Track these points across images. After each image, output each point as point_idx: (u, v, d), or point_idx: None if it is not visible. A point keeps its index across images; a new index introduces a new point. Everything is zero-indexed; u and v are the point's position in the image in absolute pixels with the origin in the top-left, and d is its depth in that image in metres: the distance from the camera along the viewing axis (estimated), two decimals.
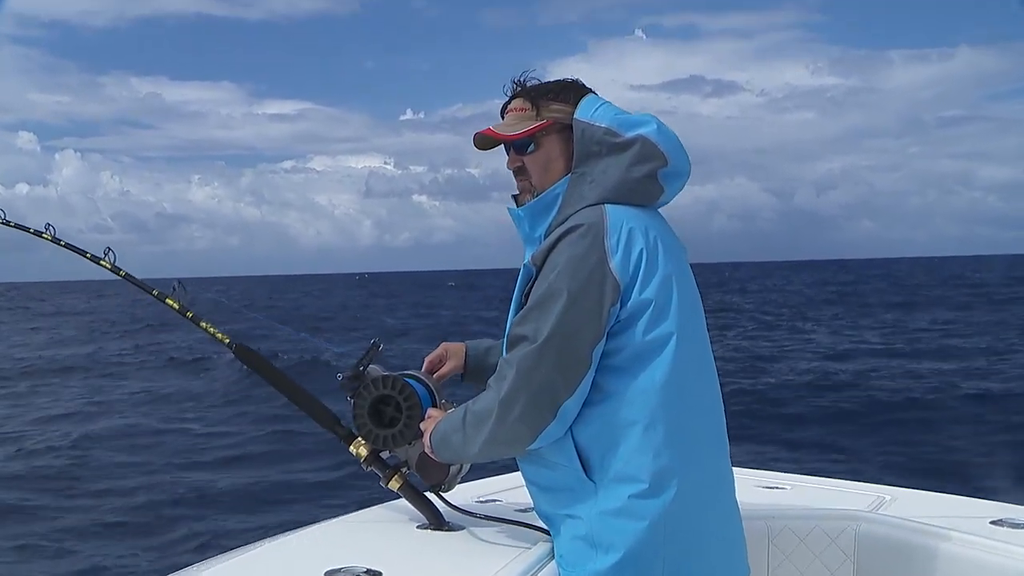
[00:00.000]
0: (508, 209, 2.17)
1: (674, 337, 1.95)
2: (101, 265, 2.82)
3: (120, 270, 2.81)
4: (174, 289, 2.64)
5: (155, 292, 2.69)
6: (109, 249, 2.87)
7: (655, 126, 2.04)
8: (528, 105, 2.14)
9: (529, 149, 2.13)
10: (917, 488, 3.23)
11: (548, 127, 2.12)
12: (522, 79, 2.18)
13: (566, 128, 2.10)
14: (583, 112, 2.07)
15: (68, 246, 2.99)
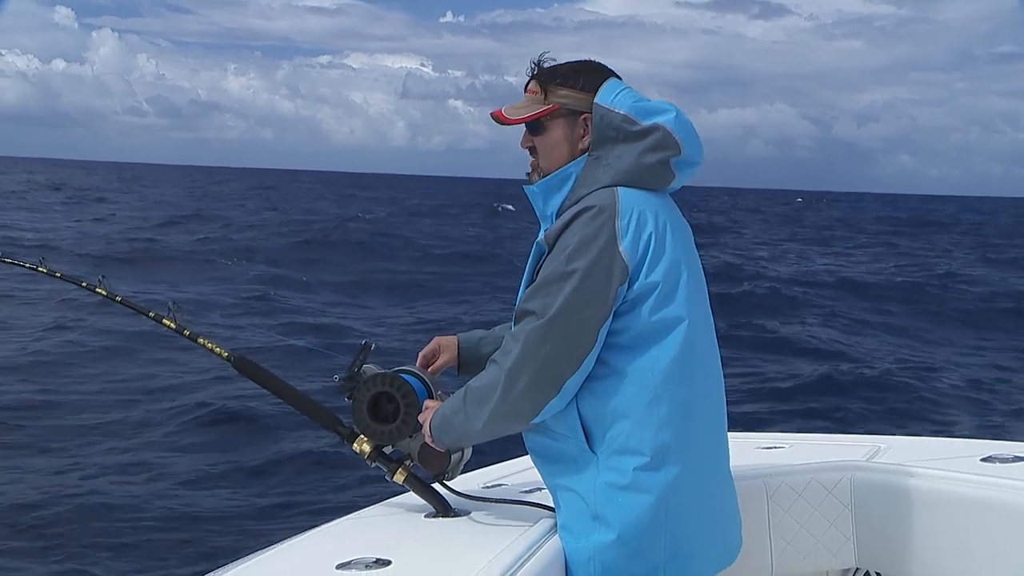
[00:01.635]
0: (523, 187, 2.23)
1: (679, 319, 2.02)
2: (97, 292, 2.88)
3: (116, 296, 2.87)
4: (169, 310, 2.70)
5: (151, 314, 2.75)
6: (104, 277, 2.93)
7: (673, 115, 2.09)
8: (538, 88, 2.20)
9: (538, 131, 2.20)
10: (912, 435, 3.31)
11: (554, 112, 2.17)
12: (539, 60, 2.22)
13: (573, 113, 2.16)
14: (603, 97, 2.11)
15: (64, 277, 3.04)
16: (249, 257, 25.37)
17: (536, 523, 2.23)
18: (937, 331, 17.19)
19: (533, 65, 2.23)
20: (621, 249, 1.98)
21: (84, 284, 2.95)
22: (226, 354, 2.58)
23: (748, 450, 3.04)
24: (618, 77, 2.19)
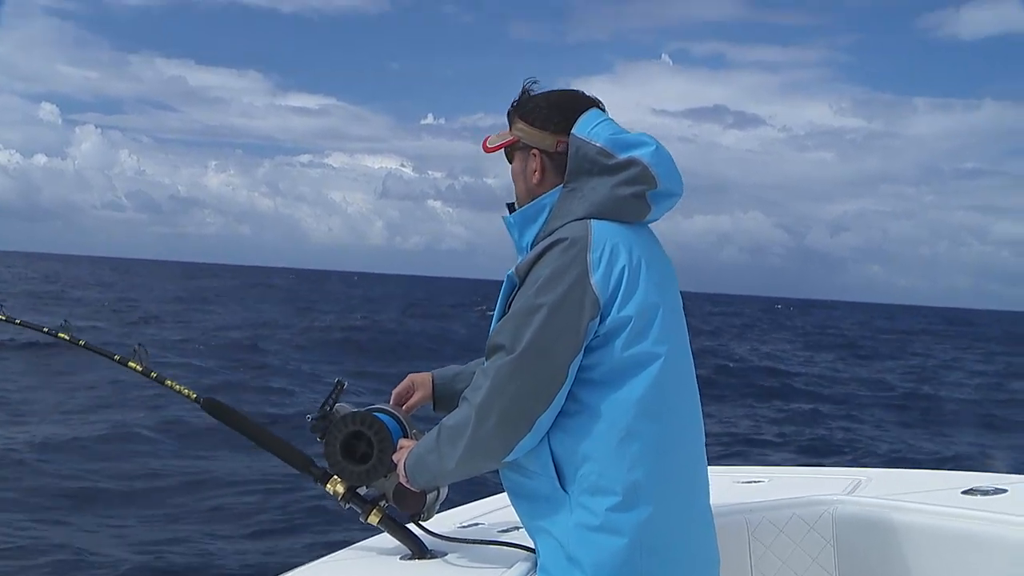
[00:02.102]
0: (502, 217, 2.20)
1: (653, 354, 1.96)
2: (60, 337, 2.82)
3: (79, 340, 2.80)
4: (135, 351, 2.64)
5: (117, 357, 2.68)
6: (66, 321, 2.87)
7: (653, 148, 2.04)
8: (508, 119, 2.21)
9: (509, 161, 2.21)
10: (892, 468, 3.30)
11: (515, 144, 2.17)
12: (525, 88, 2.20)
13: (526, 147, 2.15)
14: (581, 128, 2.08)
15: (24, 324, 2.97)
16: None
17: (513, 565, 2.18)
18: None
19: (521, 92, 2.21)
20: (593, 282, 1.94)
21: (45, 330, 2.88)
22: (194, 396, 2.52)
23: (727, 484, 3.00)
24: (600, 107, 2.16)
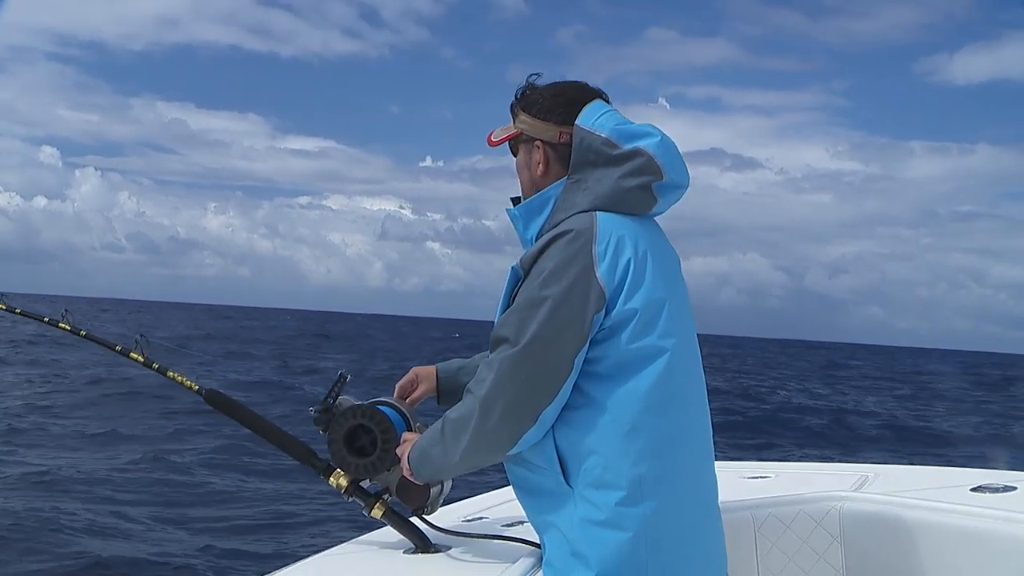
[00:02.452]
0: (506, 209, 2.18)
1: (659, 348, 1.93)
2: (60, 327, 2.80)
3: (80, 330, 2.78)
4: (136, 342, 2.62)
5: (118, 348, 2.67)
6: (67, 311, 2.85)
7: (657, 138, 2.02)
8: (511, 112, 2.18)
9: (513, 154, 2.18)
10: (899, 463, 3.27)
11: (518, 136, 2.15)
12: (528, 81, 2.17)
13: (529, 139, 2.12)
14: (585, 119, 2.05)
15: (23, 313, 2.96)
16: None
17: (518, 560, 2.15)
18: None
19: (524, 85, 2.18)
20: (598, 275, 1.91)
21: (46, 320, 2.87)
22: (196, 387, 2.50)
23: (734, 480, 2.98)
24: (604, 98, 2.14)
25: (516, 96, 2.17)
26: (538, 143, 2.11)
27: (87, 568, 6.99)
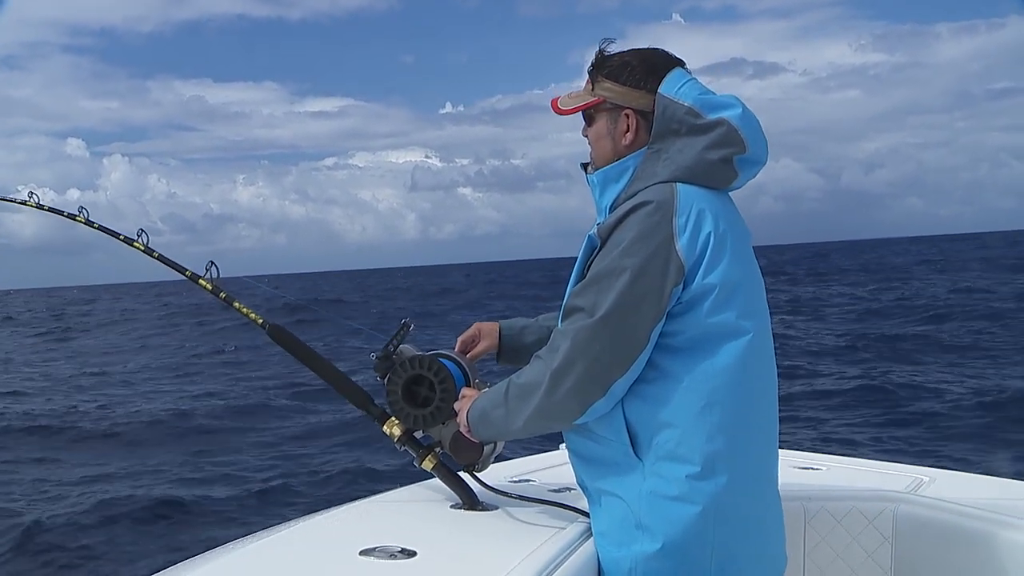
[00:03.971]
0: (586, 176, 2.14)
1: (737, 324, 1.92)
2: (135, 247, 2.84)
3: (153, 251, 2.82)
4: (207, 270, 2.64)
5: (188, 273, 2.69)
6: (142, 231, 2.88)
7: (740, 110, 1.98)
8: (588, 79, 2.13)
9: (589, 123, 2.13)
10: (957, 470, 3.19)
11: (599, 104, 2.09)
12: (601, 47, 2.12)
13: (616, 108, 2.07)
14: (667, 87, 2.01)
15: (101, 228, 3.01)
16: None
17: (568, 526, 2.14)
18: None
19: (597, 52, 2.13)
20: (678, 247, 1.88)
21: (122, 237, 2.91)
22: (261, 320, 2.51)
23: (783, 468, 2.92)
24: (683, 66, 2.08)
25: (595, 63, 2.11)
26: (628, 111, 2.06)
27: None
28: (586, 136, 2.15)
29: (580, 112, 2.14)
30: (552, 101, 2.18)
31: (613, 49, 2.12)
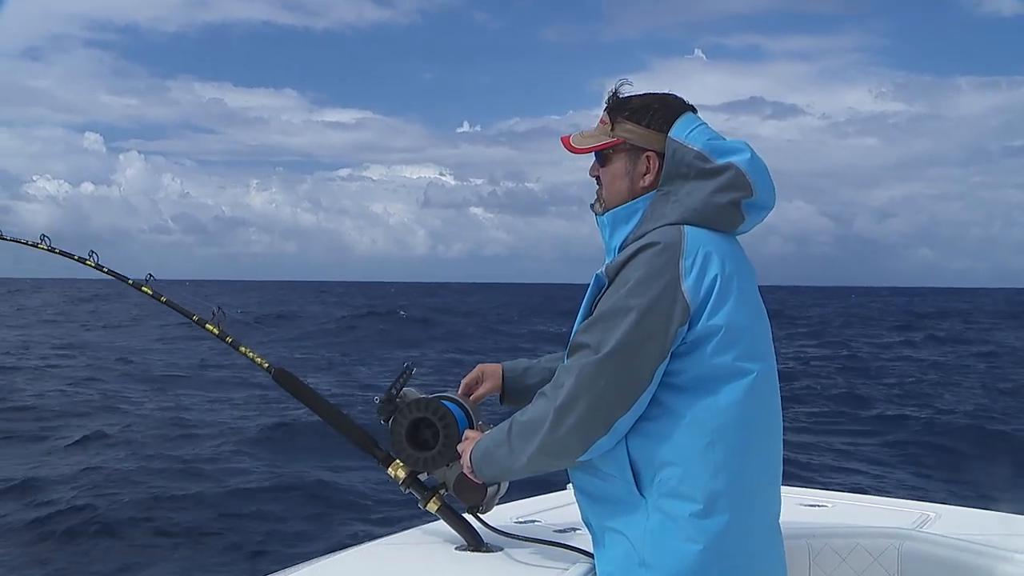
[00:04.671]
0: (596, 216, 2.17)
1: (741, 364, 1.94)
2: (143, 291, 2.87)
3: (161, 296, 2.85)
4: (213, 315, 2.67)
5: (195, 317, 2.72)
6: (150, 275, 2.92)
7: (748, 155, 2.01)
8: (607, 119, 2.15)
9: (604, 163, 2.14)
10: (963, 506, 3.18)
11: (618, 145, 2.12)
12: (615, 89, 2.15)
13: (636, 149, 2.09)
14: (678, 131, 2.05)
15: (110, 272, 3.04)
16: None
17: (572, 567, 2.15)
18: None
19: (610, 93, 2.16)
20: (684, 289, 1.90)
21: (130, 282, 2.94)
22: (266, 364, 2.54)
23: (789, 506, 2.92)
24: (694, 111, 2.12)
25: (612, 104, 2.14)
26: (650, 154, 2.08)
27: None
28: (595, 176, 2.18)
29: (593, 152, 2.16)
30: (563, 139, 2.20)
31: (625, 91, 2.15)
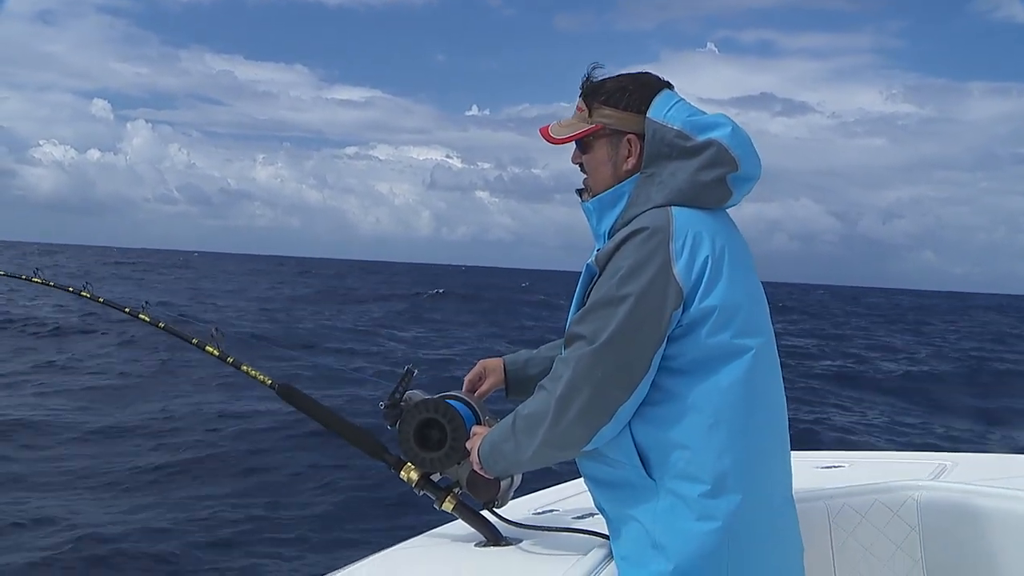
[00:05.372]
0: (580, 203, 2.15)
1: (738, 342, 1.93)
2: (140, 319, 2.87)
3: (159, 322, 2.85)
4: (212, 336, 2.67)
5: (195, 341, 2.72)
6: (147, 303, 2.92)
7: (729, 129, 2.00)
8: (583, 105, 2.13)
9: (585, 150, 2.13)
10: (980, 452, 3.18)
11: (597, 131, 2.10)
12: (588, 74, 2.13)
13: (616, 133, 2.08)
14: (656, 111, 2.03)
15: (106, 303, 3.04)
16: None
17: (589, 551, 2.16)
18: None
19: (584, 78, 2.14)
20: (675, 272, 1.89)
21: (127, 310, 2.94)
22: (270, 381, 2.54)
23: (807, 470, 2.93)
24: (670, 88, 2.10)
25: (589, 90, 2.12)
26: (630, 137, 2.07)
27: None
28: (578, 163, 2.16)
29: (573, 140, 2.14)
30: (542, 130, 2.18)
31: (599, 74, 2.13)
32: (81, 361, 16.25)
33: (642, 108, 2.06)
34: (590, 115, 2.11)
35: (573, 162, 2.18)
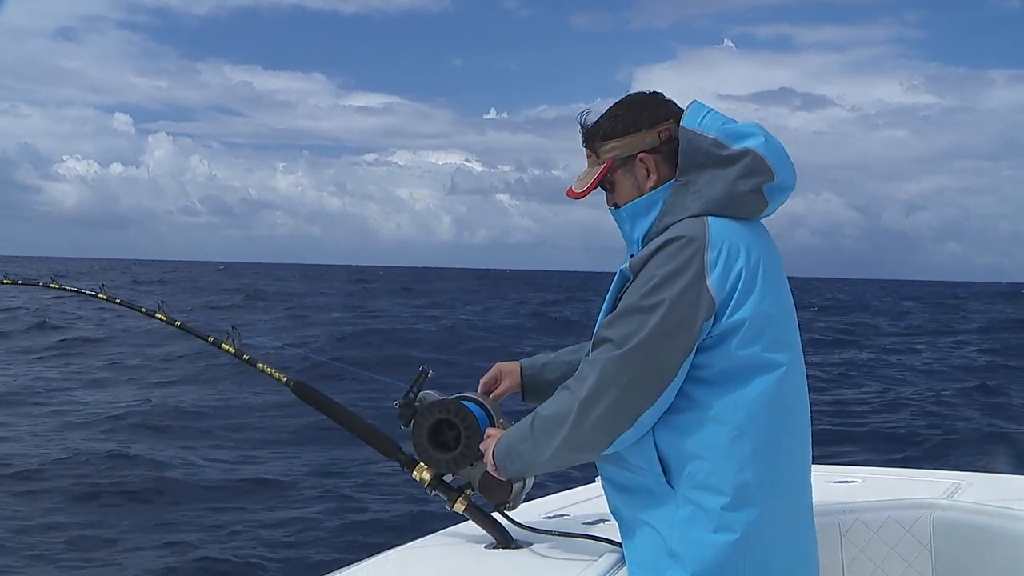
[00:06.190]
0: (610, 210, 2.15)
1: (767, 356, 1.92)
2: (156, 318, 2.89)
3: (175, 321, 2.87)
4: (228, 334, 2.69)
5: (211, 339, 2.74)
6: (163, 302, 2.94)
7: (763, 139, 1.99)
8: (590, 152, 2.15)
9: (611, 189, 2.13)
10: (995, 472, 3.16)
11: (611, 167, 2.10)
12: (582, 123, 2.15)
13: (627, 159, 2.08)
14: (690, 120, 2.03)
15: (123, 303, 3.06)
16: None
17: (600, 557, 2.15)
18: None
19: (579, 130, 2.16)
20: (709, 283, 1.89)
21: (144, 310, 2.96)
22: (285, 379, 2.55)
23: (819, 484, 2.91)
24: (658, 96, 2.12)
25: (587, 136, 2.14)
26: (641, 156, 2.07)
27: None
28: (613, 205, 2.14)
29: (598, 187, 2.14)
30: (567, 193, 2.19)
31: (590, 119, 2.15)
32: None
33: (637, 125, 2.07)
34: (598, 157, 2.13)
35: (609, 205, 2.16)
